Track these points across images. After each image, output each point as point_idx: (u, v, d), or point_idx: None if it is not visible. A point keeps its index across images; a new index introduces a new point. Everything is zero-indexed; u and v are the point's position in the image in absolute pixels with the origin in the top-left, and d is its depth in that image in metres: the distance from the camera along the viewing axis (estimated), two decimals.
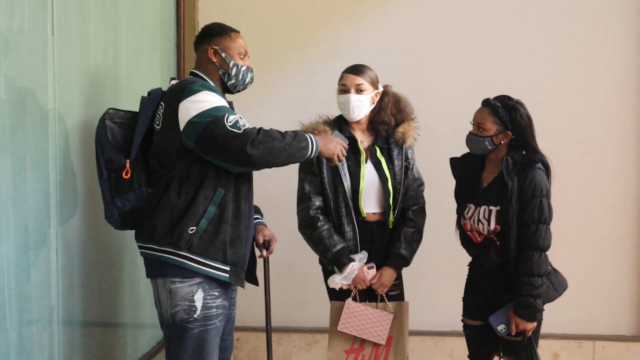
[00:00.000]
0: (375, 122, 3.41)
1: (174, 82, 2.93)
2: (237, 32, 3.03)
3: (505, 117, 3.13)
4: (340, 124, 3.41)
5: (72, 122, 3.00)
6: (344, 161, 3.29)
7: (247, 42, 3.07)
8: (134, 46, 3.73)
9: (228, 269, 2.85)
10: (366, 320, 3.36)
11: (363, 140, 3.42)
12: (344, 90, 3.36)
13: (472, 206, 3.25)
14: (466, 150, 3.30)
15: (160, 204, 2.78)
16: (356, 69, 3.37)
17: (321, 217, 3.36)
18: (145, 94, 2.95)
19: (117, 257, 3.48)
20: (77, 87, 3.06)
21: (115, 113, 2.91)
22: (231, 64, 2.95)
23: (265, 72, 4.38)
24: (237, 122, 2.68)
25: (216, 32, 2.98)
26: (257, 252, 3.17)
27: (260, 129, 2.71)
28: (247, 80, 3.02)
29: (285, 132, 2.78)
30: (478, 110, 3.23)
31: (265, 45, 4.50)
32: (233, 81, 2.97)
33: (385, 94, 3.43)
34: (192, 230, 2.75)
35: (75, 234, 3.05)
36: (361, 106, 3.35)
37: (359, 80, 3.34)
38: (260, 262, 3.20)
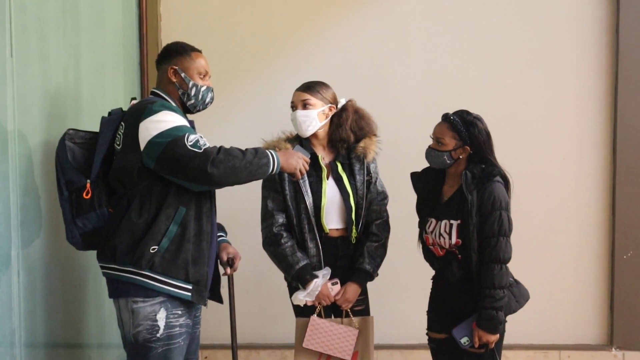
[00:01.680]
0: (333, 139, 3.42)
1: (134, 102, 2.93)
2: (199, 51, 3.02)
3: (464, 132, 3.16)
4: (302, 141, 3.42)
5: (33, 143, 2.97)
6: (306, 178, 3.31)
7: (209, 60, 3.06)
8: (95, 65, 3.70)
9: (190, 287, 2.84)
10: (331, 336, 3.36)
11: (324, 156, 3.43)
12: (292, 107, 3.39)
13: (434, 220, 3.27)
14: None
15: (121, 224, 2.78)
16: (304, 86, 3.40)
17: (284, 234, 3.36)
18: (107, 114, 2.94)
19: (81, 277, 3.45)
20: (38, 108, 3.04)
21: (75, 133, 2.90)
22: (190, 84, 2.94)
23: (227, 91, 4.39)
24: (197, 141, 2.69)
25: (176, 52, 2.97)
26: (221, 269, 3.17)
27: (220, 147, 2.72)
28: (207, 100, 3.01)
29: (246, 149, 2.79)
30: (437, 125, 3.25)
31: (227, 64, 4.52)
32: (192, 101, 2.96)
33: (344, 109, 3.44)
34: (153, 249, 2.75)
35: (38, 255, 3.02)
36: (308, 121, 3.35)
37: (305, 96, 3.35)
38: (224, 280, 3.20)
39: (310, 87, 3.39)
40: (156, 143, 2.68)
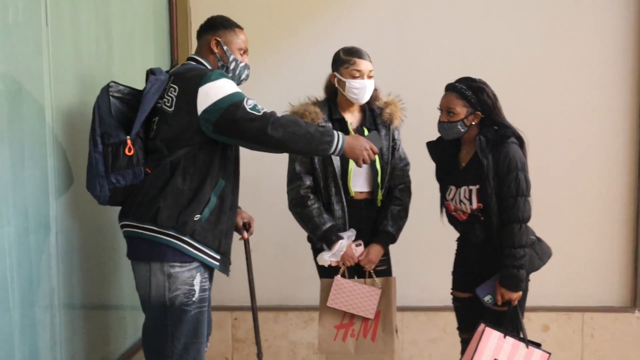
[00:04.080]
0: (363, 106, 3.50)
1: (178, 66, 3.01)
2: (241, 28, 3.09)
3: (473, 98, 3.20)
4: (330, 106, 3.48)
5: (68, 110, 3.05)
6: None
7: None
8: (126, 35, 3.78)
9: (219, 257, 2.93)
10: (355, 295, 3.44)
11: (352, 122, 3.49)
12: (359, 75, 3.40)
13: (453, 187, 3.32)
14: None
15: (167, 188, 2.81)
16: (367, 54, 3.43)
17: (311, 196, 3.44)
18: (140, 82, 2.98)
19: (116, 240, 3.50)
20: (72, 76, 3.12)
21: (115, 86, 2.89)
22: (231, 58, 3.01)
23: (254, 57, 4.42)
24: (255, 105, 2.79)
25: (221, 25, 3.04)
26: (236, 235, 3.27)
27: (283, 114, 2.83)
28: (243, 76, 3.08)
29: (311, 124, 2.88)
30: (444, 96, 3.29)
31: (255, 30, 4.48)
32: (230, 75, 2.99)
33: None
34: (197, 217, 2.82)
35: (74, 218, 3.11)
36: (371, 92, 3.44)
37: (371, 66, 3.42)
38: (240, 244, 3.33)
39: (369, 57, 3.44)
40: (216, 108, 2.75)
